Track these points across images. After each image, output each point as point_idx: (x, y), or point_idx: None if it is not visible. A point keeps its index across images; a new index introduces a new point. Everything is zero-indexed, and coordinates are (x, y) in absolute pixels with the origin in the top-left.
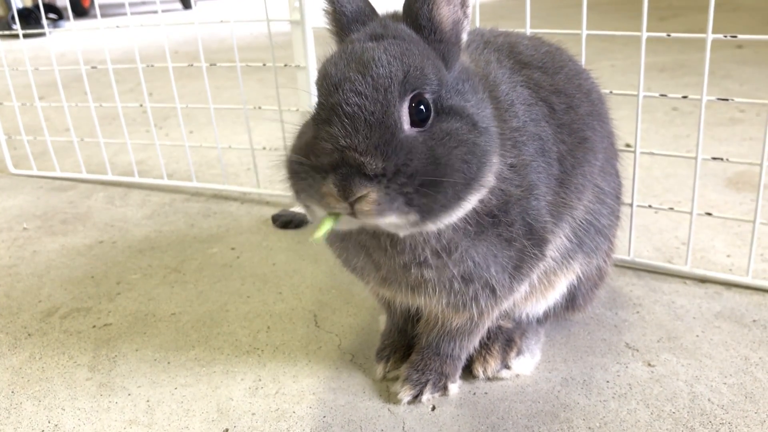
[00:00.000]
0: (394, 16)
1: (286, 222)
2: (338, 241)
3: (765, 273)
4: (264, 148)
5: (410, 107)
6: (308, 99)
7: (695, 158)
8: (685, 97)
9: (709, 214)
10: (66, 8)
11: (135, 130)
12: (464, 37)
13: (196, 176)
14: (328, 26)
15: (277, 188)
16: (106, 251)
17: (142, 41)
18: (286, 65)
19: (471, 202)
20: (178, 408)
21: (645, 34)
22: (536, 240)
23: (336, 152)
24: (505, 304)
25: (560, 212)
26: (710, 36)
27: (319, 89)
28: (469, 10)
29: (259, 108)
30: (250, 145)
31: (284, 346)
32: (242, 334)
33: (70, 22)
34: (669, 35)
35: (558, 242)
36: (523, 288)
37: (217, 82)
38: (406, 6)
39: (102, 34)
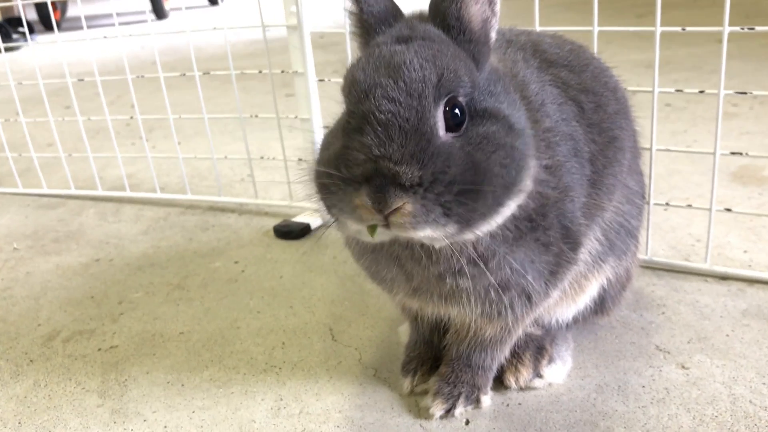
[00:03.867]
0: (420, 17)
1: (289, 232)
2: (368, 253)
3: None
4: (262, 158)
5: (445, 112)
6: (307, 106)
7: (713, 153)
8: (702, 91)
9: (728, 209)
10: (37, 22)
11: (120, 144)
12: (493, 36)
13: (189, 189)
14: (352, 28)
15: (276, 198)
16: (104, 269)
17: (114, 54)
18: (283, 71)
19: (510, 208)
20: None
21: (659, 29)
22: (572, 243)
23: (369, 162)
24: (539, 310)
25: (592, 214)
26: (727, 29)
27: (347, 96)
28: (498, 8)
29: (256, 116)
30: (246, 154)
31: (302, 363)
32: (257, 352)
33: (40, 36)
34: (684, 29)
35: (589, 245)
36: (557, 293)
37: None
38: (432, 5)
39: (82, 47)
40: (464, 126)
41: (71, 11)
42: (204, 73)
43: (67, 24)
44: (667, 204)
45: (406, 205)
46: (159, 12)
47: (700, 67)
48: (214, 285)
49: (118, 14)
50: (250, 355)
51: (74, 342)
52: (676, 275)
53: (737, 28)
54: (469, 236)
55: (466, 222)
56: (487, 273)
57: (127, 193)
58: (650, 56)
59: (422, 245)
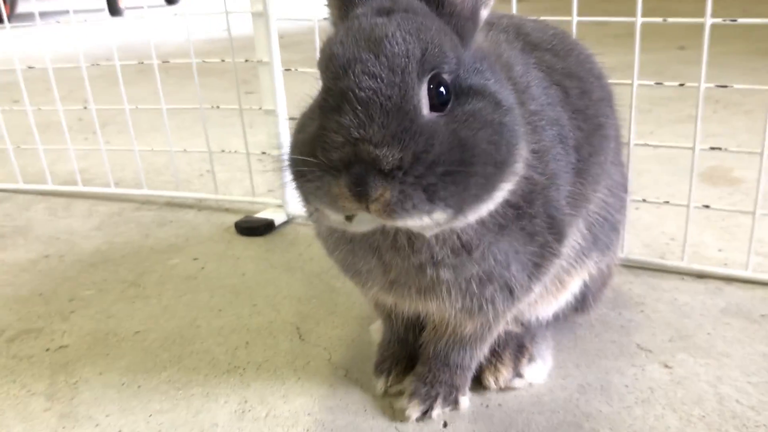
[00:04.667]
0: None
1: (251, 228)
2: (345, 244)
3: (762, 266)
4: (223, 151)
5: (429, 90)
6: (272, 98)
7: (692, 148)
8: (681, 84)
9: (706, 206)
10: None
11: (72, 139)
12: (483, 14)
13: (145, 184)
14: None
15: (236, 194)
16: (54, 266)
17: (68, 50)
18: (247, 60)
19: (503, 192)
20: None
21: (640, 20)
22: (557, 234)
23: (348, 145)
24: (521, 306)
25: (577, 204)
26: (709, 20)
27: (323, 72)
28: None
29: (217, 107)
30: (207, 147)
31: (268, 363)
32: (219, 352)
33: None
34: (665, 20)
35: (573, 238)
36: (539, 288)
37: (154, 88)
38: None
39: (33, 40)
40: (449, 105)
41: (23, 7)
42: (163, 62)
43: (18, 20)
44: (644, 200)
45: (386, 192)
46: (113, 9)
47: (661, 72)
48: (172, 282)
49: (70, 11)
50: (211, 356)
51: (20, 342)
52: (653, 273)
53: (719, 20)
54: (459, 222)
55: (457, 205)
56: (469, 264)
57: (79, 188)
58: (612, 60)
59: (406, 233)
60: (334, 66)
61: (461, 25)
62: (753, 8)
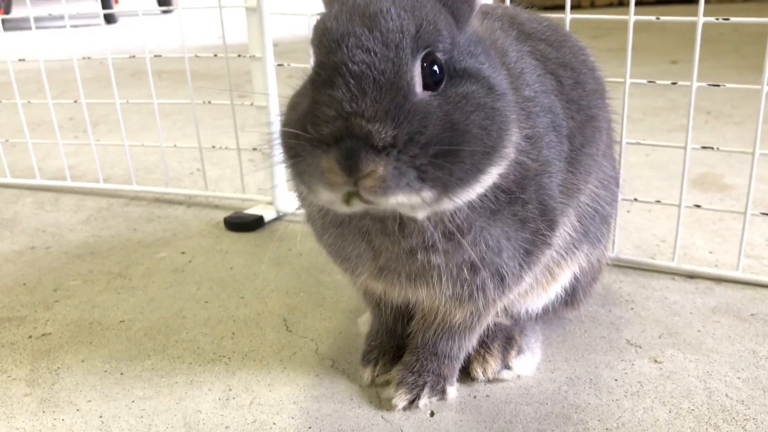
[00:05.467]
0: None
1: (241, 224)
2: (334, 227)
3: (753, 268)
4: (213, 147)
5: (423, 68)
6: (264, 93)
7: (684, 147)
8: (674, 83)
9: (698, 206)
10: None
11: (63, 137)
12: None
13: (135, 181)
14: None
15: (227, 190)
16: (39, 257)
17: (61, 54)
18: (240, 55)
19: (492, 176)
20: (137, 423)
21: (633, 18)
22: (549, 222)
23: (340, 119)
24: (511, 295)
25: (569, 194)
26: (701, 19)
27: (317, 47)
28: None
29: (209, 102)
30: (198, 143)
31: (254, 353)
32: (204, 342)
33: None
34: (658, 18)
35: (564, 230)
36: (530, 278)
37: (146, 90)
38: None
39: (27, 43)
40: (442, 85)
41: (19, 12)
42: (155, 56)
43: (13, 24)
44: (635, 199)
45: (379, 168)
46: (108, 16)
47: (654, 83)
48: (159, 275)
49: (63, 17)
50: (196, 345)
51: (1, 329)
52: (643, 273)
53: (712, 19)
54: (447, 204)
55: (444, 187)
56: (460, 249)
57: (68, 183)
58: (613, 71)
59: (395, 216)
60: (328, 40)
61: (457, 8)
62: (743, 27)
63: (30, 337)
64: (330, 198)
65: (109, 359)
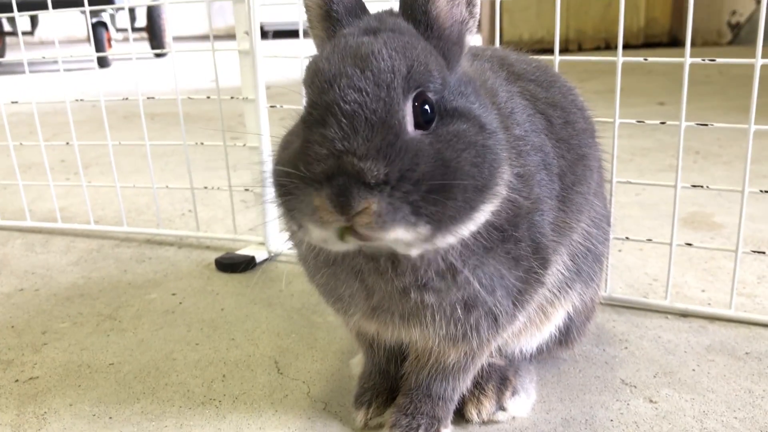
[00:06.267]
0: (389, 12)
1: (232, 264)
2: (327, 267)
3: (745, 306)
4: (206, 188)
5: (414, 107)
6: (258, 134)
7: (674, 186)
8: (663, 122)
9: (689, 244)
10: None
11: (53, 179)
12: (468, 39)
13: (126, 222)
14: (311, 22)
15: (219, 231)
16: (28, 299)
17: (53, 96)
18: (233, 98)
19: (484, 213)
20: None
21: (621, 59)
22: (542, 260)
23: (331, 158)
24: (505, 335)
25: (561, 233)
26: (688, 60)
27: (309, 87)
28: (477, 10)
29: (201, 144)
30: (190, 184)
31: (245, 396)
32: (194, 384)
33: None
34: (646, 59)
35: (556, 268)
36: (524, 317)
37: (138, 133)
38: (402, 0)
39: (20, 86)
40: (433, 124)
41: (12, 56)
42: (148, 98)
43: (7, 68)
44: (627, 238)
45: (372, 205)
46: (102, 60)
47: (643, 125)
48: (149, 316)
49: (56, 60)
50: (186, 388)
51: None
52: (636, 312)
53: (699, 60)
54: (443, 241)
55: (438, 223)
56: (454, 287)
57: (58, 225)
58: (602, 112)
59: (389, 255)
60: (320, 80)
61: (448, 49)
62: (728, 70)
63: (17, 381)
64: (322, 236)
65: (98, 403)
